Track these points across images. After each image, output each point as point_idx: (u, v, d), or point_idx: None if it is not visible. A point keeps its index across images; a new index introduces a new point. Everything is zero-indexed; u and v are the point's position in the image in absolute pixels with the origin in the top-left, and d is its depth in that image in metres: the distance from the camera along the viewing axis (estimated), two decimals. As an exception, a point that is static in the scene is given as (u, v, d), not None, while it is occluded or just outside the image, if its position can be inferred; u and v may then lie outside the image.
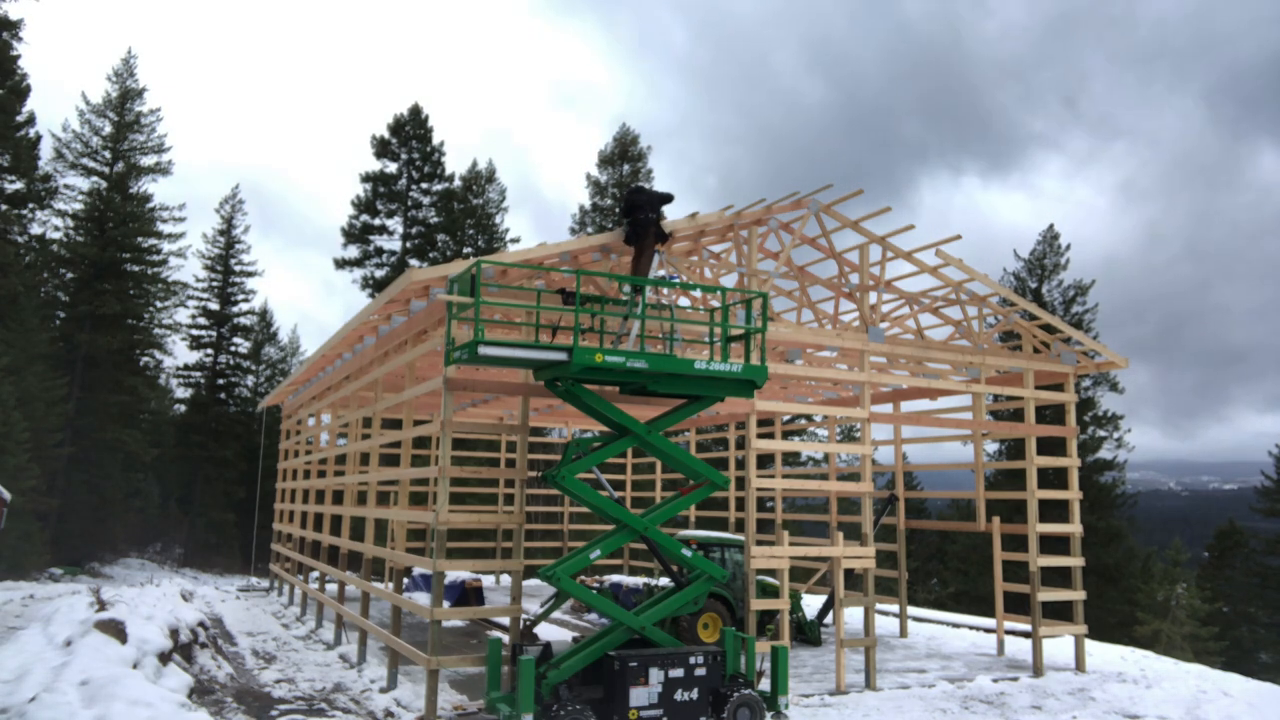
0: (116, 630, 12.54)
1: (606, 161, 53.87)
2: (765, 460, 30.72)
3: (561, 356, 10.82)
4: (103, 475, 45.54)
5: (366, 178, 54.43)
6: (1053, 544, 19.53)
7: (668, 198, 13.98)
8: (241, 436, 55.93)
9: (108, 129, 51.48)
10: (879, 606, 21.41)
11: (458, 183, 55.78)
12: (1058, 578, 23.99)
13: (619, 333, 12.94)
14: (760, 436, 24.58)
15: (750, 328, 12.00)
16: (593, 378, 11.37)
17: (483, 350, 10.51)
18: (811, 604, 22.94)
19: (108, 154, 51.18)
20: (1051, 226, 47.34)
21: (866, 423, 15.64)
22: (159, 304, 53.12)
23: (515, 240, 55.30)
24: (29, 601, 23.11)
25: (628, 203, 13.92)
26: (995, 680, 15.71)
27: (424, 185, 55.24)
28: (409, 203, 54.74)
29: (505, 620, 18.43)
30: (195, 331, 57.38)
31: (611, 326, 13.31)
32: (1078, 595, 17.18)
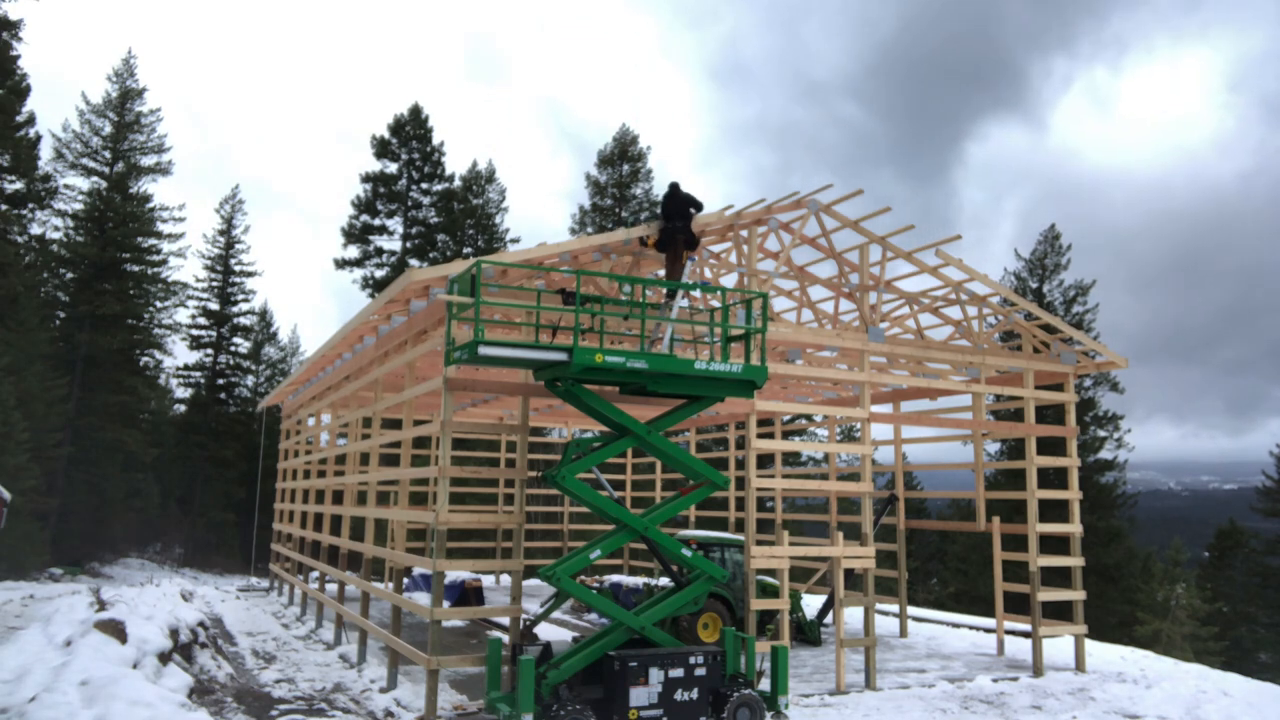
0: (116, 630, 12.54)
1: (606, 161, 53.92)
2: (765, 460, 30.72)
3: (562, 357, 10.82)
4: (103, 475, 45.54)
5: (366, 178, 54.46)
6: (1053, 544, 19.54)
7: (698, 206, 14.05)
8: (241, 436, 55.94)
9: (108, 129, 51.52)
10: (879, 606, 21.42)
11: (458, 183, 55.83)
12: (1058, 578, 23.98)
13: (652, 336, 12.92)
14: (760, 436, 24.58)
15: (750, 328, 12.01)
16: (593, 378, 11.38)
17: (483, 350, 10.51)
18: (811, 604, 22.93)
19: (108, 154, 51.21)
20: (1053, 226, 47.37)
21: (866, 423, 15.64)
22: (159, 304, 53.19)
23: (515, 240, 55.38)
24: (29, 601, 23.11)
25: (664, 207, 14.07)
26: (995, 680, 15.71)
27: (424, 185, 55.27)
28: (409, 203, 54.76)
29: (505, 620, 18.43)
30: (195, 331, 57.43)
31: (611, 326, 13.31)
32: (1078, 595, 17.18)
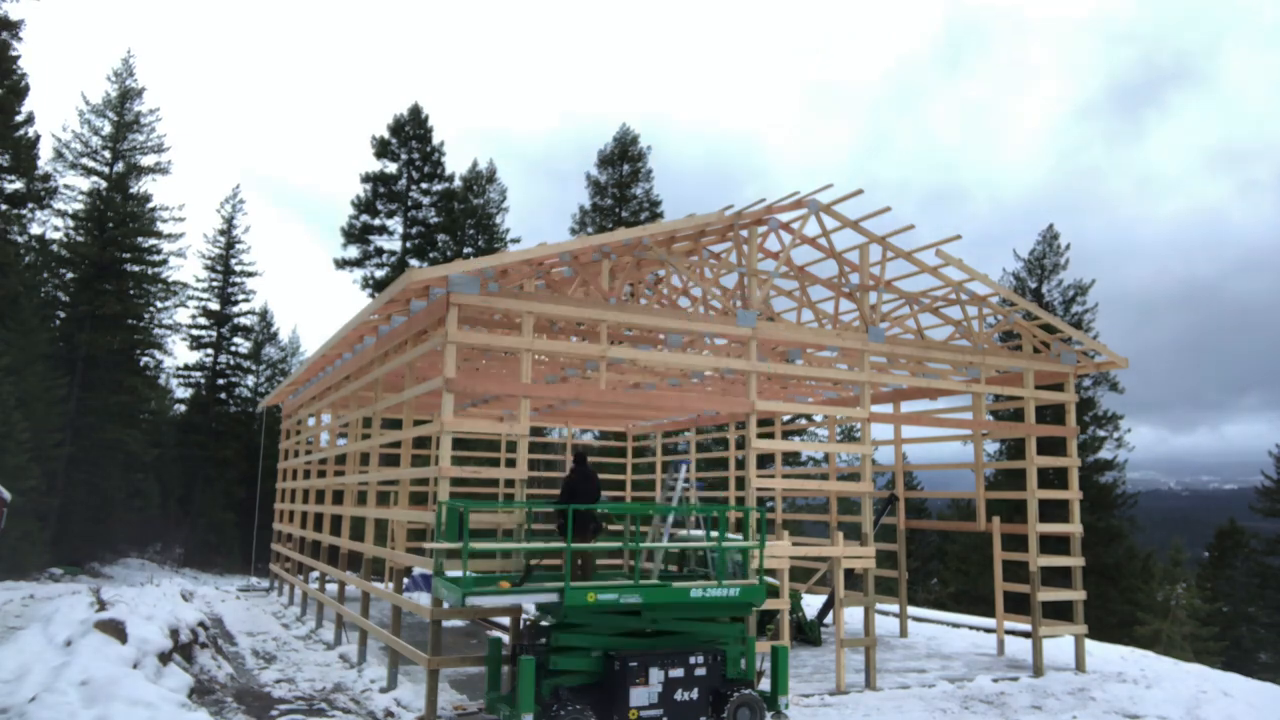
0: (116, 630, 12.53)
1: (606, 161, 53.93)
2: (765, 460, 30.72)
3: (553, 598, 10.74)
4: (103, 475, 45.51)
5: (366, 178, 54.46)
6: (1053, 544, 19.54)
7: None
8: (241, 436, 55.92)
9: (107, 129, 51.50)
10: (879, 606, 21.41)
11: (458, 183, 55.84)
12: (1058, 577, 23.97)
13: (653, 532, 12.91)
14: (760, 436, 24.58)
15: (749, 546, 12.08)
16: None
17: (470, 601, 10.47)
18: (811, 604, 22.93)
19: (107, 154, 51.17)
20: (1051, 226, 47.42)
21: (866, 423, 15.63)
22: (159, 304, 53.18)
23: (516, 240, 55.42)
24: (29, 601, 23.08)
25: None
26: (995, 680, 15.71)
27: (424, 185, 55.27)
28: (409, 203, 54.76)
29: (505, 620, 18.42)
30: (195, 331, 57.45)
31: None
32: (1078, 595, 17.18)
